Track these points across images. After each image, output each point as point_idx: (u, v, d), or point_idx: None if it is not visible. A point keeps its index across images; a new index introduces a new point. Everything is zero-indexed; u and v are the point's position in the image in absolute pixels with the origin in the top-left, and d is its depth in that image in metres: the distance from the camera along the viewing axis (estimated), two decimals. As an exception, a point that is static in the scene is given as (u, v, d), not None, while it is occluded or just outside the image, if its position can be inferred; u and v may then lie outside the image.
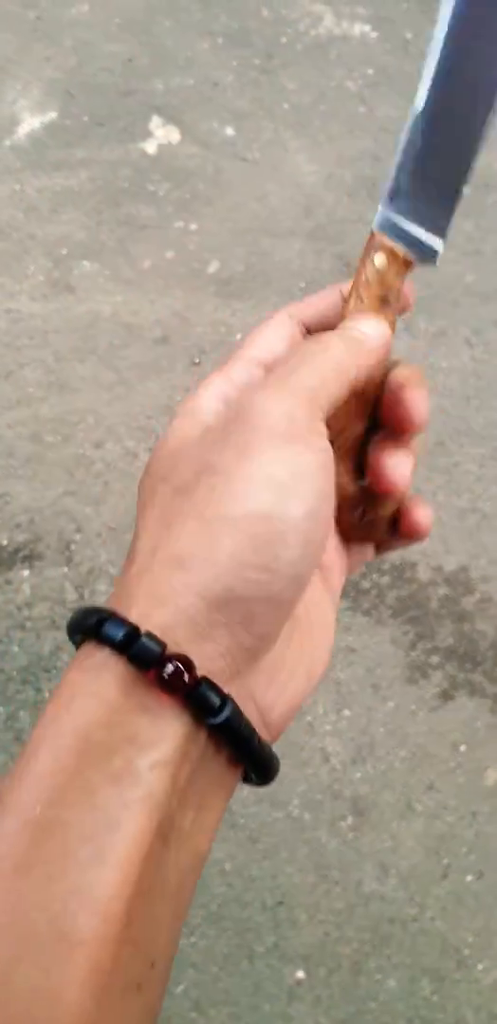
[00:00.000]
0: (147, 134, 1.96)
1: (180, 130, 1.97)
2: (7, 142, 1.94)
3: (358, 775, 1.29)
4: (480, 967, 1.20)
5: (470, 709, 1.32)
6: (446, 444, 1.56)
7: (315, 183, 1.88)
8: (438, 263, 0.44)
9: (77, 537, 1.46)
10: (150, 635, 0.32)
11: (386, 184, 0.43)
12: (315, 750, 1.30)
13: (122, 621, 0.33)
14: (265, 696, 0.37)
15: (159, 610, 0.33)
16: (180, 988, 1.17)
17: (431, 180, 0.43)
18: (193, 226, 1.80)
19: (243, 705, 0.35)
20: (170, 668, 0.32)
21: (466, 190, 0.43)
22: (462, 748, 1.30)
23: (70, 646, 1.39)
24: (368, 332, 0.41)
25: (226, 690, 0.33)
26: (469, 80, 0.42)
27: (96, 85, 2.04)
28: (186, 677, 0.32)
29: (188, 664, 0.32)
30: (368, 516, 0.44)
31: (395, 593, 1.43)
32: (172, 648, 0.33)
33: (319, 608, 0.42)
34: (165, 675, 0.32)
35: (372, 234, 0.43)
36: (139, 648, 0.32)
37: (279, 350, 0.43)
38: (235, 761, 0.35)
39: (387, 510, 0.44)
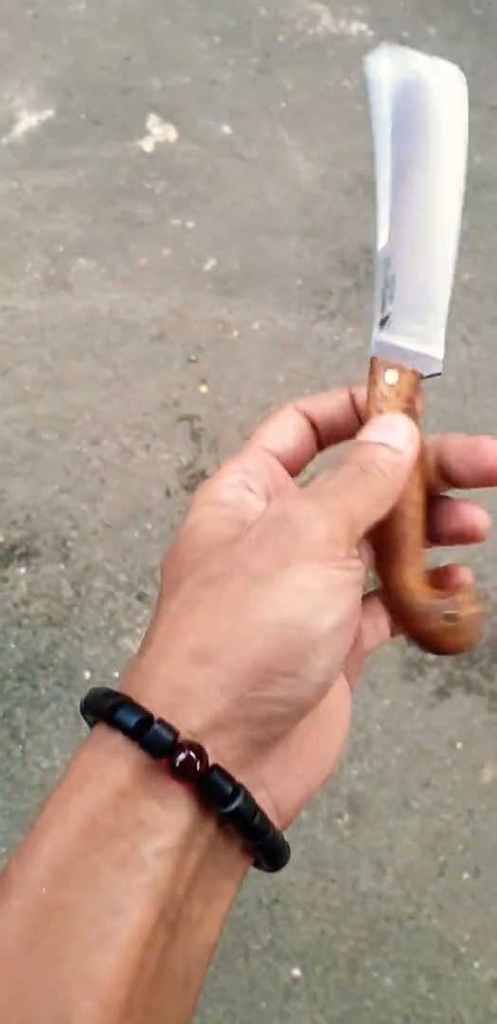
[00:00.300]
0: (144, 132, 1.96)
1: (177, 128, 1.97)
2: (4, 140, 1.94)
3: (355, 772, 1.29)
4: (477, 965, 1.19)
5: (466, 706, 1.32)
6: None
7: (312, 181, 1.88)
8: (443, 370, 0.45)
9: (73, 534, 1.46)
10: (163, 723, 0.32)
11: (375, 313, 0.44)
12: (311, 747, 1.30)
13: (136, 707, 0.33)
14: (278, 785, 0.37)
15: (176, 698, 0.34)
16: (176, 986, 1.17)
17: (414, 304, 0.44)
18: (190, 224, 1.80)
19: (255, 793, 0.35)
20: (182, 756, 0.32)
21: (448, 298, 0.44)
22: (458, 745, 1.30)
23: (66, 644, 1.39)
24: (402, 444, 0.41)
25: (238, 779, 0.33)
26: (422, 202, 0.44)
27: (94, 83, 2.04)
28: (198, 766, 0.32)
29: (200, 753, 0.32)
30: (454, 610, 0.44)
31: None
32: (185, 736, 0.33)
33: (338, 699, 0.42)
34: (177, 763, 0.32)
35: (373, 359, 0.44)
36: (152, 735, 0.32)
37: (289, 441, 0.45)
38: (246, 850, 0.35)
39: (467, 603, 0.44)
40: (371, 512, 0.39)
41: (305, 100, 2.02)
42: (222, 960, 1.18)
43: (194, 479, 1.51)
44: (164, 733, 0.32)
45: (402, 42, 2.13)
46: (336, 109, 2.00)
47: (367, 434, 0.42)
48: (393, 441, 0.41)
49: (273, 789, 0.37)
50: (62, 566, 1.43)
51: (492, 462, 0.43)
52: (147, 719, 0.32)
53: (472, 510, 0.44)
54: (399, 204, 0.44)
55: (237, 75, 2.06)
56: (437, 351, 0.44)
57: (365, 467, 0.40)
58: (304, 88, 2.04)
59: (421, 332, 0.44)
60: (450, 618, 0.43)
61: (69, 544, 1.45)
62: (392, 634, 0.47)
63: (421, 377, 0.44)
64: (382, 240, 0.44)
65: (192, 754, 0.32)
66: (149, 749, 0.32)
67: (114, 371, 1.61)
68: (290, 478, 0.45)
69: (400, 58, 0.45)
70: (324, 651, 0.35)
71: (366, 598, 0.47)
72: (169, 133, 1.96)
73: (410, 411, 0.43)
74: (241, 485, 0.42)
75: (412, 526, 0.43)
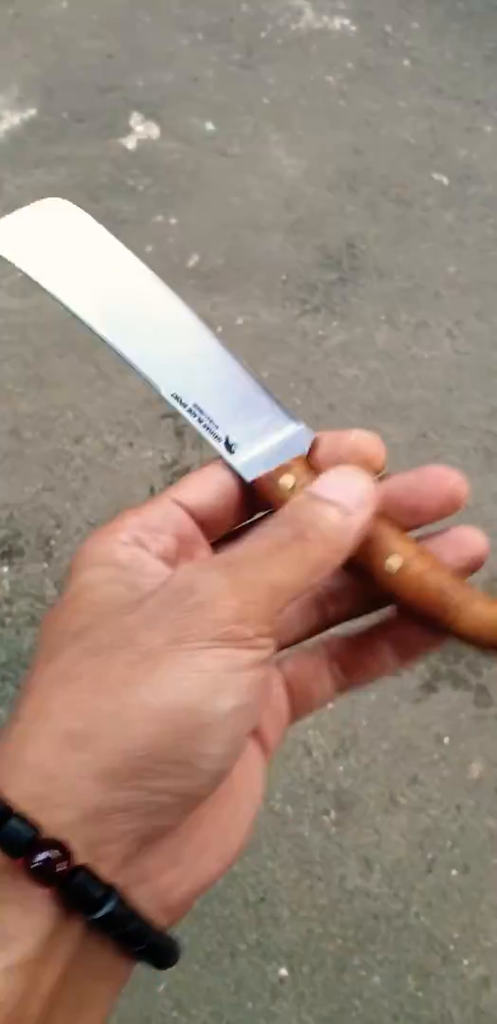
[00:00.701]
0: (127, 130, 1.95)
1: (160, 126, 1.96)
2: (-15, 138, 1.93)
3: (341, 768, 1.28)
4: (466, 962, 1.18)
5: (453, 701, 1.31)
6: (429, 436, 1.55)
7: (295, 176, 1.87)
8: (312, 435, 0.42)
9: (57, 533, 1.45)
10: (21, 816, 0.29)
11: (215, 444, 0.40)
12: (297, 743, 1.29)
13: None
14: (165, 877, 0.33)
15: (45, 787, 0.30)
16: (161, 987, 1.15)
17: (234, 406, 0.41)
18: (173, 220, 1.78)
19: (135, 889, 0.31)
20: (42, 856, 0.28)
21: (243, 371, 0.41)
22: (446, 740, 1.29)
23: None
24: (354, 505, 0.36)
25: (114, 877, 0.30)
26: (147, 324, 0.41)
27: (76, 82, 2.03)
28: (61, 867, 0.28)
29: (64, 851, 0.29)
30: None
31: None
32: (51, 830, 0.29)
33: (246, 776, 0.38)
34: (35, 864, 0.28)
35: (257, 483, 0.40)
36: (7, 831, 0.28)
37: (208, 496, 0.40)
38: (123, 953, 0.32)
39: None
40: (301, 584, 0.34)
41: (288, 95, 2.01)
42: (208, 960, 1.17)
43: (178, 476, 1.50)
44: (22, 829, 0.28)
45: (385, 36, 2.12)
46: (319, 104, 1.99)
47: (318, 487, 0.37)
48: (346, 500, 0.36)
49: (158, 882, 0.33)
50: (45, 565, 1.42)
51: (450, 485, 0.39)
52: (5, 810, 0.29)
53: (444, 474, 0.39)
54: (138, 347, 0.41)
55: (220, 72, 2.05)
56: (293, 423, 0.40)
57: (303, 532, 0.35)
58: (287, 84, 2.03)
59: (264, 423, 0.40)
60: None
61: (52, 543, 1.44)
62: (341, 690, 0.43)
63: (307, 456, 0.40)
64: (157, 386, 0.41)
65: (54, 853, 0.28)
66: (4, 847, 0.28)
67: (97, 368, 1.60)
68: (203, 539, 0.40)
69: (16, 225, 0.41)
70: (219, 737, 0.31)
71: (309, 647, 0.43)
72: (152, 130, 1.95)
73: None
74: (136, 543, 0.37)
75: (439, 568, 0.39)
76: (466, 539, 0.39)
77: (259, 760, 0.40)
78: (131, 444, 1.52)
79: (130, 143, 1.92)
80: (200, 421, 0.40)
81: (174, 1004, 1.15)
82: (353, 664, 0.43)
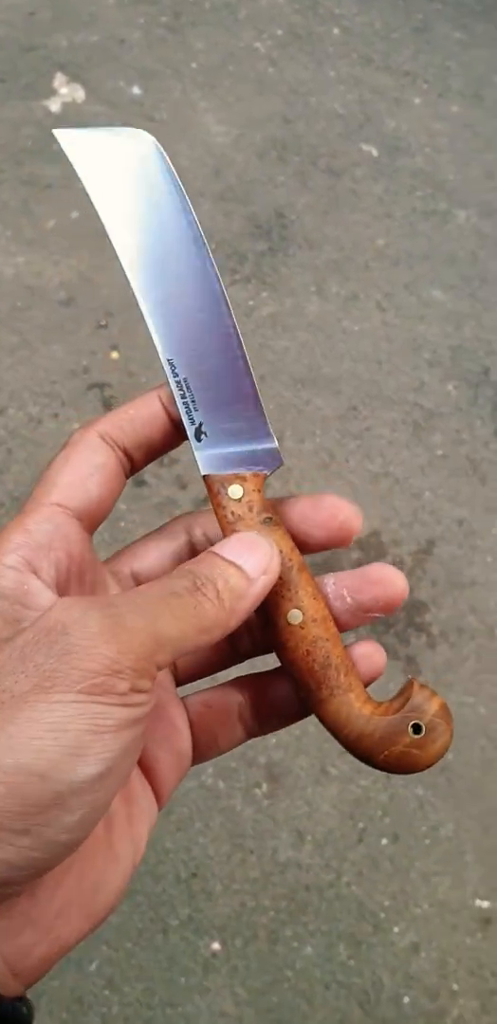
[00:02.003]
0: (51, 92, 1.89)
1: (85, 88, 1.91)
2: None
3: (272, 741, 1.27)
4: (396, 929, 1.19)
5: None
6: (358, 409, 1.55)
7: (224, 144, 1.84)
8: (284, 457, 0.41)
9: (-20, 507, 1.40)
10: None
11: (185, 427, 0.39)
12: (229, 718, 1.28)
13: None
14: (15, 941, 0.31)
15: None
16: (93, 965, 1.14)
17: (222, 401, 0.39)
18: (99, 186, 1.74)
19: None
20: None
21: (252, 374, 0.40)
22: (376, 711, 1.29)
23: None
24: (255, 572, 0.35)
25: None
26: (178, 285, 0.39)
27: (-4, 39, 1.96)
28: None
29: None
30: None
31: (307, 558, 1.40)
32: None
33: (127, 829, 0.35)
34: None
35: (207, 479, 0.39)
36: None
37: (91, 490, 0.37)
38: None
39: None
40: (188, 640, 0.32)
41: (217, 61, 1.97)
42: (140, 937, 1.16)
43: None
44: None
45: (314, 3, 2.10)
46: (248, 71, 1.96)
47: (221, 547, 0.36)
48: (249, 565, 0.35)
49: (7, 946, 0.31)
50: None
51: (341, 519, 0.38)
52: None
53: (336, 504, 0.39)
54: (157, 301, 0.39)
55: (147, 34, 2.00)
56: (269, 441, 0.39)
57: (200, 586, 0.33)
58: (215, 49, 1.99)
59: (242, 428, 0.39)
60: (418, 728, 0.38)
61: (-25, 517, 1.40)
62: (250, 735, 0.41)
63: (266, 477, 0.39)
64: (158, 345, 0.39)
65: None
66: None
67: (20, 337, 1.55)
68: (93, 553, 0.38)
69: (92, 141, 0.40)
70: (76, 806, 0.28)
71: (219, 688, 0.40)
72: (77, 93, 1.89)
73: (271, 519, 0.39)
74: (25, 567, 0.34)
75: (334, 645, 0.38)
76: (386, 579, 0.39)
77: (148, 810, 0.37)
78: (56, 415, 1.48)
79: (54, 105, 1.87)
80: (183, 397, 0.39)
81: (106, 982, 1.13)
82: (265, 708, 0.41)
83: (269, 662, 0.40)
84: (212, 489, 0.39)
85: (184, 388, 0.39)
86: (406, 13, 2.17)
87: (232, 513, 0.38)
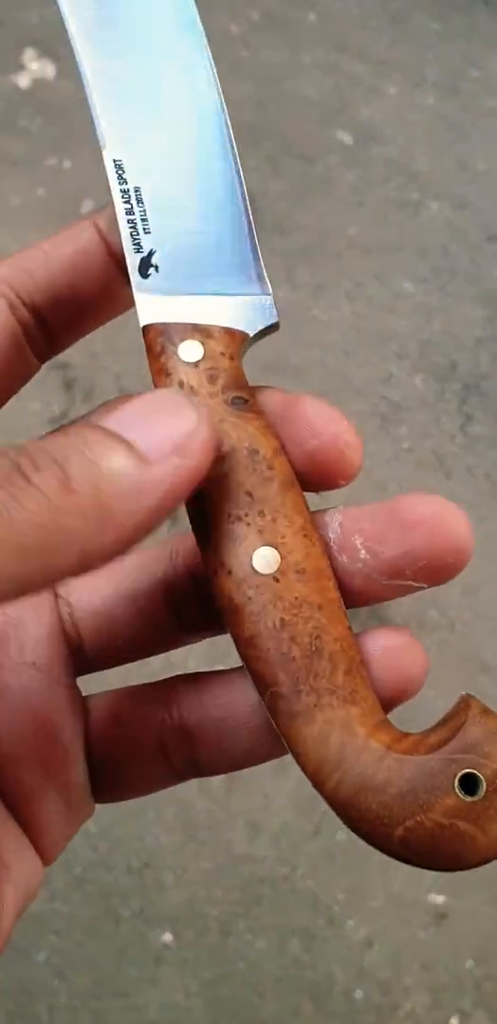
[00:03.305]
0: (19, 67, 1.86)
1: (56, 65, 1.87)
2: None
3: (229, 733, 1.26)
4: (350, 923, 1.19)
5: (344, 664, 1.31)
6: (326, 399, 1.53)
7: (196, 126, 1.82)
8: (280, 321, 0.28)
9: None
10: None
11: (129, 256, 0.26)
12: (186, 708, 1.27)
13: None
14: None
15: None
16: (41, 956, 1.12)
17: (185, 228, 0.27)
18: (67, 164, 1.71)
19: None
20: None
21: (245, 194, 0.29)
22: (335, 704, 1.28)
23: None
24: (153, 446, 0.21)
25: None
26: (145, 55, 0.28)
27: (-34, 11, 1.92)
28: None
29: None
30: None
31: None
32: None
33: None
34: None
35: (148, 331, 0.26)
36: None
37: None
38: None
39: None
40: (32, 562, 0.19)
41: (191, 43, 1.95)
42: (90, 928, 1.14)
43: (68, 431, 1.44)
44: None
45: (291, -11, 2.08)
46: (221, 53, 1.93)
47: (107, 413, 0.23)
48: (143, 438, 0.21)
49: None
50: None
51: (335, 433, 0.26)
52: None
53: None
54: (107, 67, 0.27)
55: (120, 12, 1.98)
56: (258, 286, 0.27)
57: (64, 476, 0.20)
58: (190, 30, 1.97)
59: (218, 260, 0.27)
60: (473, 784, 0.22)
61: None
62: (182, 777, 0.29)
63: (247, 339, 0.27)
64: (101, 132, 0.27)
65: None
66: None
67: (-17, 316, 1.53)
68: None
69: None
70: None
71: (138, 691, 0.27)
72: (47, 69, 1.86)
73: (247, 403, 0.26)
74: None
75: (332, 620, 0.24)
76: (434, 520, 0.25)
77: (22, 870, 0.25)
78: (17, 396, 1.46)
79: (23, 81, 1.83)
80: (128, 214, 0.27)
81: (54, 973, 1.12)
82: (209, 737, 0.27)
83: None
84: (153, 347, 0.26)
85: (132, 200, 0.27)
86: (383, 2, 2.15)
87: (181, 384, 0.26)
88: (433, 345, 1.63)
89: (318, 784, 0.24)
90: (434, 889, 1.19)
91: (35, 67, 1.86)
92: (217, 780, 1.23)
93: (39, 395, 1.45)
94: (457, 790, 0.22)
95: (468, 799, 0.22)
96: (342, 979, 1.15)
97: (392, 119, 1.90)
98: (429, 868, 0.23)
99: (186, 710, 0.27)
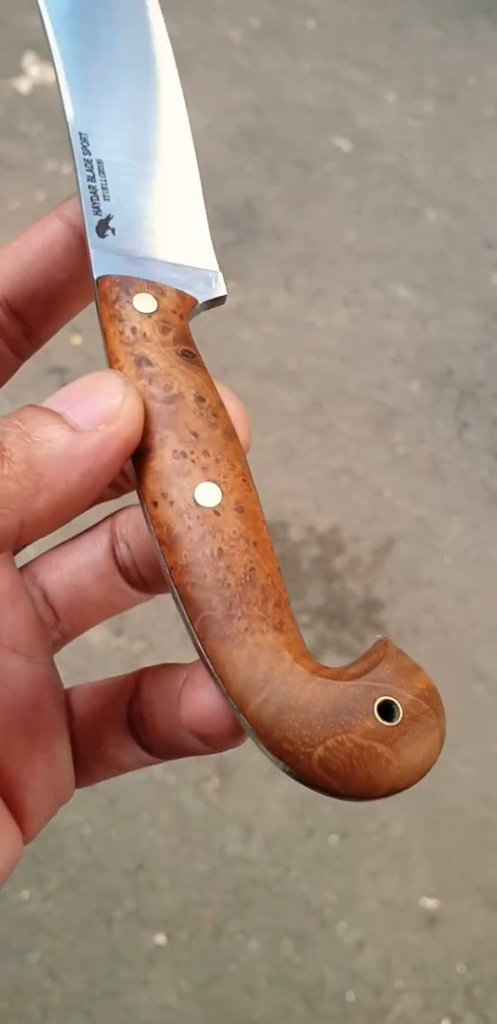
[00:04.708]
0: (20, 71, 1.87)
1: (56, 69, 1.89)
2: None
3: (224, 736, 1.27)
4: (342, 925, 1.19)
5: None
6: (322, 404, 1.54)
7: (195, 132, 1.80)
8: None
9: None
10: None
11: (87, 219, 0.28)
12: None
13: None
14: None
15: None
16: (35, 956, 1.13)
17: (144, 204, 0.29)
18: (66, 169, 1.72)
19: None
20: None
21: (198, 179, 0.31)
22: (329, 708, 1.29)
23: None
24: (85, 417, 0.24)
25: None
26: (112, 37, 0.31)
27: (-33, 16, 1.94)
28: None
29: None
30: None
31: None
32: None
33: None
34: None
35: (102, 281, 0.28)
36: None
37: None
38: None
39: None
40: None
41: (191, 49, 1.96)
42: (84, 928, 1.15)
43: (65, 434, 1.45)
44: None
45: (290, 2, 2.09)
46: (221, 60, 1.95)
47: (56, 395, 0.24)
48: (76, 410, 0.23)
49: None
50: None
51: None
52: None
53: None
54: (77, 48, 0.30)
55: (120, 18, 1.99)
56: (206, 260, 0.29)
57: None
58: (190, 37, 1.98)
59: (171, 236, 0.29)
60: (390, 710, 0.24)
61: None
62: (152, 759, 0.30)
63: (196, 304, 0.29)
64: (67, 112, 0.29)
65: None
66: None
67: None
68: None
69: None
70: None
71: (115, 683, 0.29)
72: (47, 73, 1.87)
73: (193, 356, 0.27)
74: None
75: (265, 557, 0.26)
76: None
77: (7, 837, 0.27)
78: (14, 399, 1.46)
79: (23, 85, 1.84)
80: (90, 181, 0.28)
81: (48, 973, 1.12)
82: (160, 716, 0.29)
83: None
84: (108, 296, 0.27)
85: (94, 171, 0.29)
86: (383, 9, 2.16)
87: (134, 331, 0.27)
88: (429, 351, 1.64)
89: (242, 704, 0.24)
90: (426, 893, 1.20)
91: (35, 71, 1.87)
92: (211, 784, 1.24)
93: (36, 399, 1.46)
94: (376, 714, 0.24)
95: (386, 724, 0.24)
96: (334, 981, 1.16)
97: (390, 126, 1.91)
98: (342, 795, 0.24)
99: (145, 693, 0.29)
